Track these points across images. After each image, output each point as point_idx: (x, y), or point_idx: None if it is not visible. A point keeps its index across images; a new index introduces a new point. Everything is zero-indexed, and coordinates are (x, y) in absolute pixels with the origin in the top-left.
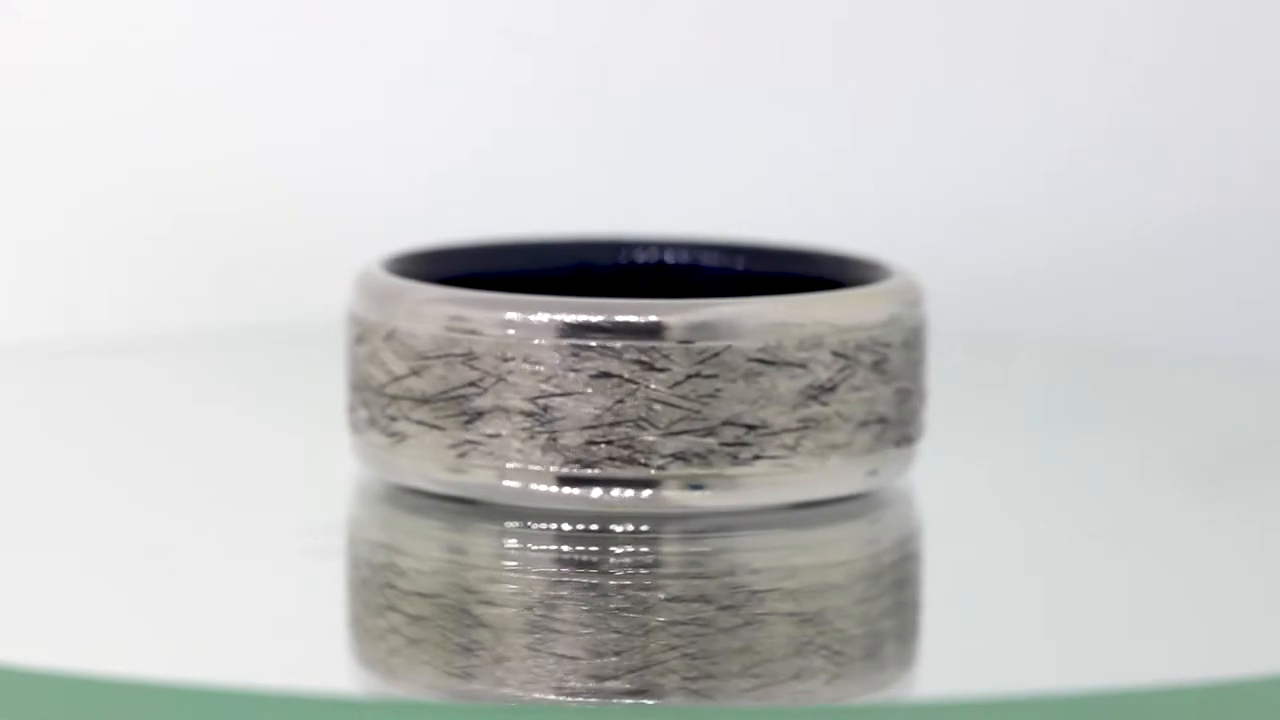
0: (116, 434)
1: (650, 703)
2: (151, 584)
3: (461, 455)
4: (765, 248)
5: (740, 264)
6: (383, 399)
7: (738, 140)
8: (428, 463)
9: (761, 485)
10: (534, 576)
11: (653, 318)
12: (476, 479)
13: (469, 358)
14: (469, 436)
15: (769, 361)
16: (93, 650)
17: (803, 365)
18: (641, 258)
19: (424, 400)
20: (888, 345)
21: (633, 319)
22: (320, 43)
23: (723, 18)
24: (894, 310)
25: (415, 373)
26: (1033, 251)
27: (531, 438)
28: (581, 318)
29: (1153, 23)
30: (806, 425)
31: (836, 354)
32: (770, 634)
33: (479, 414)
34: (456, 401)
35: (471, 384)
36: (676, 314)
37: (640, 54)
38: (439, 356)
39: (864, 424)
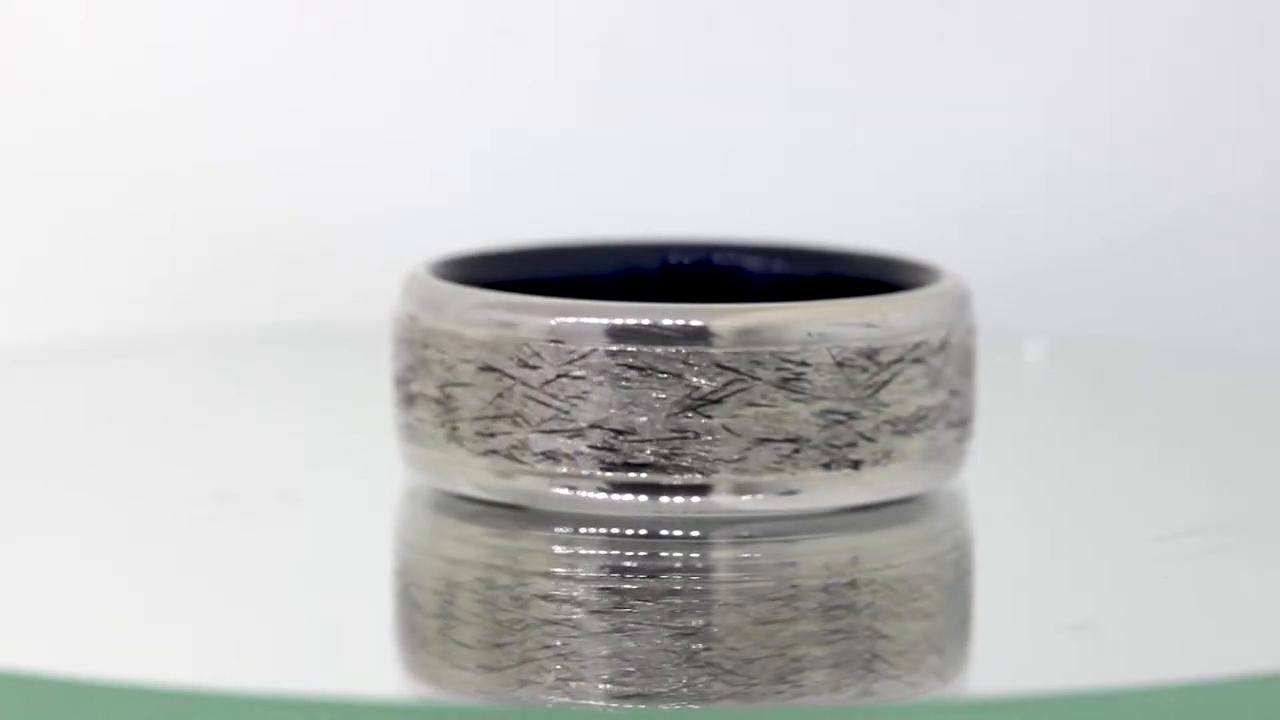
0: (120, 435)
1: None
2: (163, 586)
3: (408, 437)
4: (811, 249)
5: (781, 266)
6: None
7: (738, 140)
8: (399, 440)
9: (631, 491)
10: (424, 562)
11: (536, 318)
12: (417, 459)
13: (410, 344)
14: (407, 419)
15: (638, 368)
16: (98, 654)
17: (678, 376)
18: (688, 259)
19: (395, 381)
20: (804, 364)
21: (509, 318)
22: (319, 44)
23: (723, 18)
24: (819, 329)
25: (395, 357)
26: (1034, 250)
27: (441, 425)
28: (474, 313)
29: (1155, 23)
30: (683, 435)
31: (721, 366)
32: (644, 643)
33: (413, 398)
34: (403, 384)
35: (409, 368)
36: (539, 315)
37: (640, 54)
38: (400, 341)
39: (764, 441)
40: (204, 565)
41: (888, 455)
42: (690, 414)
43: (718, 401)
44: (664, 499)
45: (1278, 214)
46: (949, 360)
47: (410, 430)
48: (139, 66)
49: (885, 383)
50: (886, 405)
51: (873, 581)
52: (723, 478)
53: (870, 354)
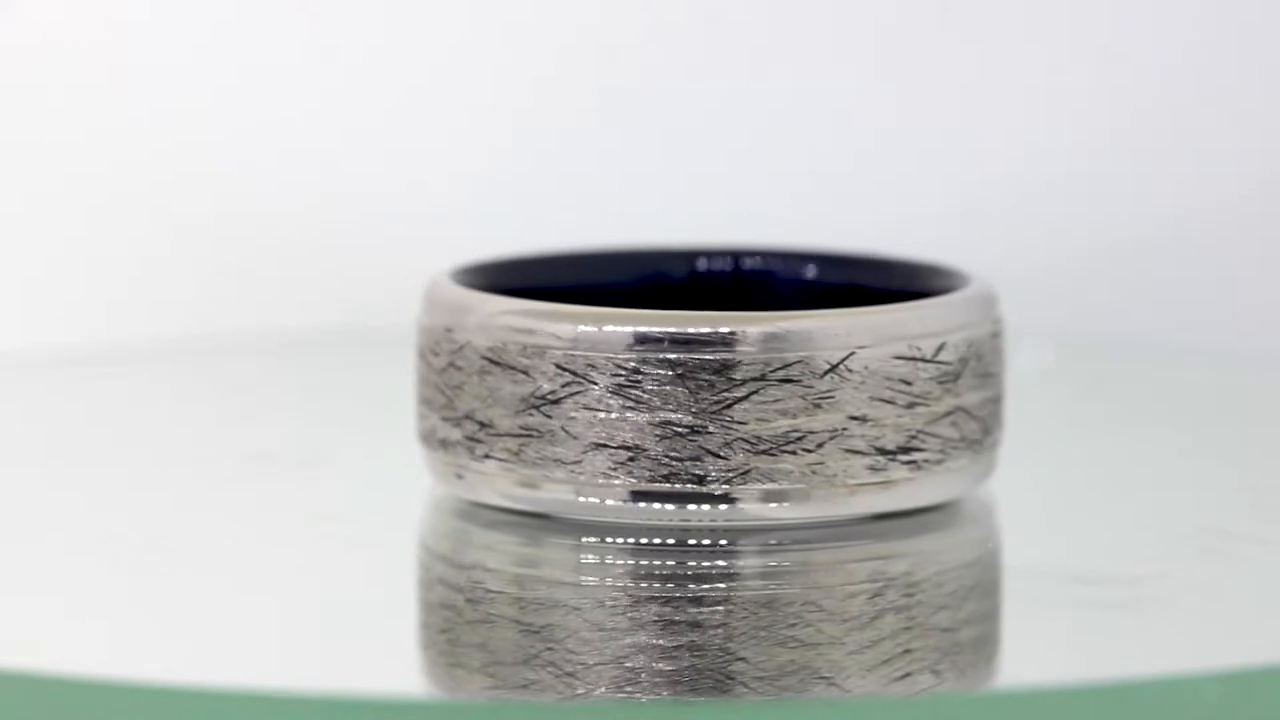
0: (123, 438)
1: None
2: (160, 583)
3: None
4: (844, 256)
5: (813, 273)
6: None
7: (740, 141)
8: None
9: (489, 485)
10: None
11: (451, 309)
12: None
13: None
14: None
15: (495, 362)
16: (100, 655)
17: (525, 372)
18: (717, 266)
19: None
20: (638, 372)
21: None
22: (318, 48)
23: (725, 19)
24: (651, 336)
25: None
26: (1034, 250)
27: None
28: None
29: (1155, 23)
30: (529, 433)
31: (560, 367)
32: (501, 637)
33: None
34: None
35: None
36: (443, 315)
37: (640, 55)
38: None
39: (600, 446)
40: (202, 559)
41: (744, 475)
42: (533, 412)
43: (556, 402)
44: (540, 492)
45: (1278, 214)
46: (848, 383)
47: None
48: (142, 67)
49: (739, 400)
50: (742, 423)
51: (727, 600)
52: (561, 476)
53: (719, 369)
